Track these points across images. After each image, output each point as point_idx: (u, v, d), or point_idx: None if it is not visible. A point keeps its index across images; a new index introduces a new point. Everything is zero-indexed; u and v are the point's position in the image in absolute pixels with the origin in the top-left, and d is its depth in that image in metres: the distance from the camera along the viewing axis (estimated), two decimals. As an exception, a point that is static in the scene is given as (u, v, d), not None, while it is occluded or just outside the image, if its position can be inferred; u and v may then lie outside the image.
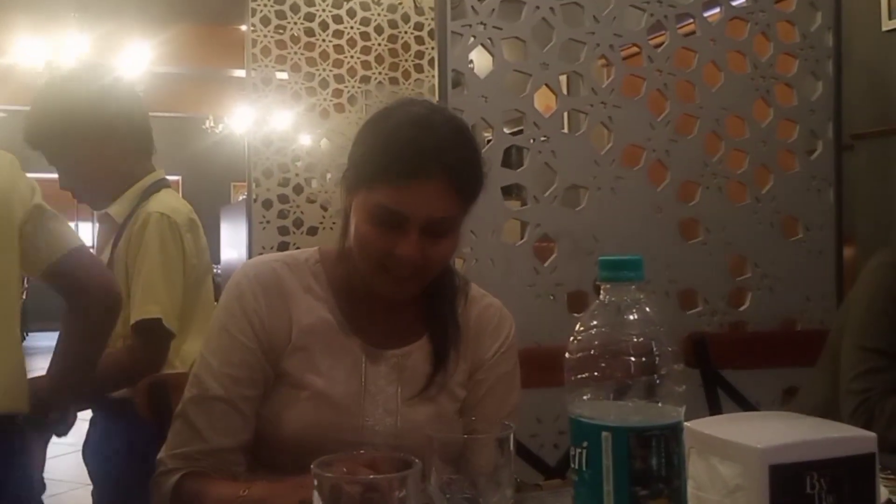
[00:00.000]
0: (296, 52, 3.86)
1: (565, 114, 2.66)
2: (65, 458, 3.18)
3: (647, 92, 2.67)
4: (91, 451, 1.99)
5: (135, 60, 7.15)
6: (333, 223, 3.72)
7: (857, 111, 3.08)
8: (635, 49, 2.71)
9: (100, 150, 1.95)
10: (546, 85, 2.57)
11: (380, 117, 1.25)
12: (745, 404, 2.05)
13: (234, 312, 1.26)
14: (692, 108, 2.72)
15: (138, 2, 7.39)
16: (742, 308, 2.74)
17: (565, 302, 2.55)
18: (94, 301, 1.62)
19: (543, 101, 2.67)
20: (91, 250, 1.93)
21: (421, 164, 1.16)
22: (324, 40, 3.88)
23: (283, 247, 3.32)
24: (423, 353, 1.31)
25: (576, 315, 2.53)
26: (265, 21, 3.80)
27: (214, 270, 7.73)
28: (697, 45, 2.73)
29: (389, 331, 1.31)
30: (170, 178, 2.15)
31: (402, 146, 1.18)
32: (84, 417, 1.95)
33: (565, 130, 2.70)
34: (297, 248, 3.02)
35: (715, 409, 1.99)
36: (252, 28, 3.73)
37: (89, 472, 1.99)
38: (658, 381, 0.67)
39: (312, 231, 3.63)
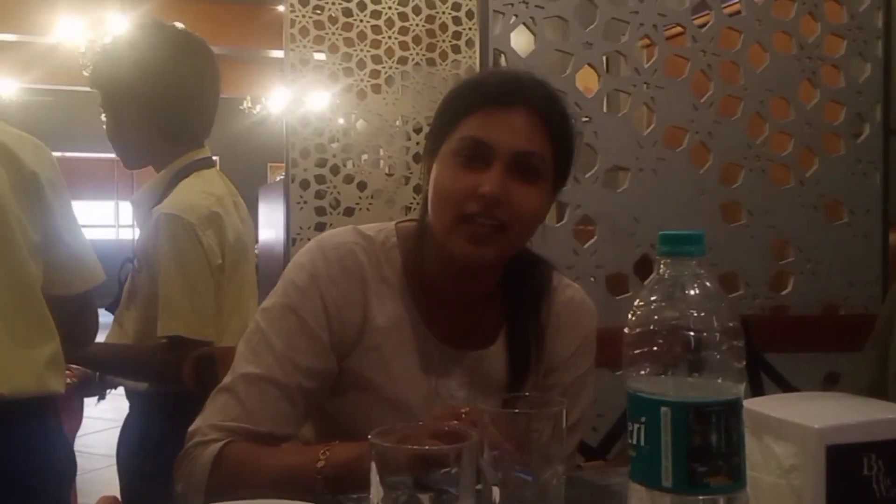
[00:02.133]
0: (333, 33, 3.85)
1: (607, 94, 2.64)
2: (102, 434, 3.22)
3: (691, 72, 2.63)
4: (121, 445, 1.92)
5: (178, 25, 7.19)
6: (370, 204, 3.72)
7: (906, 93, 3.02)
8: (679, 29, 2.67)
9: (149, 110, 1.85)
10: (589, 65, 2.55)
11: (463, 80, 1.23)
12: (786, 388, 2.02)
13: (309, 294, 1.16)
14: (736, 89, 2.68)
15: (177, -18, 7.44)
16: (784, 292, 2.70)
17: (605, 284, 2.53)
18: (77, 342, 1.55)
19: (584, 81, 2.64)
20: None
21: (506, 90, 1.13)
22: (361, 20, 3.87)
23: (320, 227, 3.32)
24: (500, 357, 1.23)
25: (615, 297, 2.52)
26: (303, 2, 3.79)
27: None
28: (742, 25, 2.69)
29: (466, 329, 1.22)
30: (208, 157, 2.02)
31: (485, 81, 1.17)
32: (107, 417, 1.92)
33: (606, 111, 2.68)
34: (334, 227, 3.03)
35: (758, 391, 1.97)
36: (290, 8, 3.73)
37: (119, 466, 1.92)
38: (718, 357, 0.66)
39: (349, 212, 3.63)
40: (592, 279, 2.50)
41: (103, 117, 1.94)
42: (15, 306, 1.33)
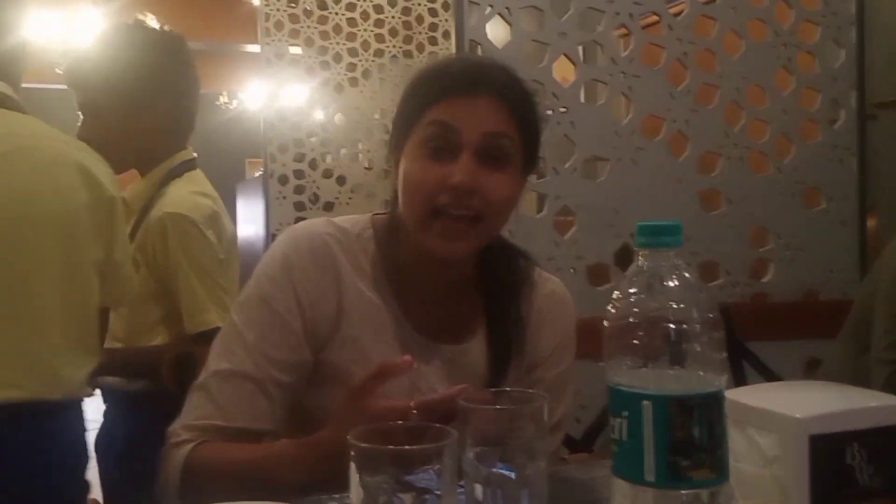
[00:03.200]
0: (309, 26, 3.82)
1: (583, 84, 2.63)
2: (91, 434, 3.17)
3: (667, 61, 2.64)
4: (101, 444, 1.90)
5: (157, 23, 7.12)
6: (350, 198, 3.70)
7: (881, 79, 3.03)
8: (655, 18, 2.67)
9: (132, 112, 1.83)
10: (564, 55, 2.54)
11: (421, 66, 1.20)
12: (768, 375, 2.03)
13: (281, 285, 1.13)
14: (713, 77, 2.68)
15: (150, -23, 7.36)
16: (764, 279, 2.71)
17: (586, 275, 2.53)
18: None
19: (561, 71, 2.64)
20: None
21: (470, 77, 1.11)
22: (337, 13, 3.84)
23: (299, 222, 3.29)
24: (479, 351, 1.20)
25: (597, 288, 2.52)
26: (278, -5, 3.74)
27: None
28: (717, 13, 2.69)
29: (445, 322, 1.19)
30: (185, 155, 2.02)
31: (447, 70, 1.14)
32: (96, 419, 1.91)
33: (584, 101, 2.68)
34: (314, 223, 3.00)
35: (740, 379, 1.98)
36: (265, 2, 3.70)
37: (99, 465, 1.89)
38: (698, 349, 0.66)
39: (329, 206, 3.61)
40: (573, 270, 2.50)
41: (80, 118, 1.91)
42: (77, 320, 1.38)
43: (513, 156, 1.13)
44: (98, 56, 1.86)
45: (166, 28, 1.96)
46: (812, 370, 2.61)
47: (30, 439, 1.24)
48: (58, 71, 2.15)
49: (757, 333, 2.10)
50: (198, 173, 1.95)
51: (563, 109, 2.53)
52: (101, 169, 1.46)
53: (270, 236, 3.15)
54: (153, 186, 1.87)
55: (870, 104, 2.91)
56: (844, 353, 1.83)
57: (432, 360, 1.18)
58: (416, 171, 1.11)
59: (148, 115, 1.85)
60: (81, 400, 1.43)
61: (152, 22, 1.98)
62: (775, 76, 2.74)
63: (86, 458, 1.45)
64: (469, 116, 1.09)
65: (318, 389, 1.16)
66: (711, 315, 0.66)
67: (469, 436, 0.80)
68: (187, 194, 1.84)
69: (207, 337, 1.69)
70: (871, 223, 2.88)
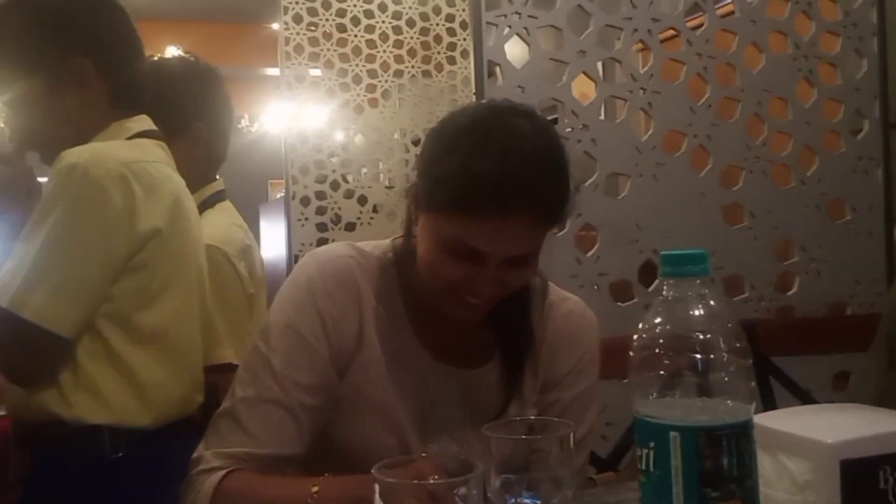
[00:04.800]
0: (328, 49, 3.85)
1: (603, 101, 2.63)
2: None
3: (687, 76, 2.63)
4: None
5: (190, 56, 7.20)
6: (371, 218, 3.71)
7: (904, 88, 3.01)
8: (673, 32, 2.66)
9: (171, 143, 1.76)
10: (584, 72, 2.54)
11: (456, 131, 1.06)
12: (796, 391, 2.01)
13: (306, 310, 1.12)
14: (733, 91, 2.67)
15: (171, 3, 7.45)
16: (790, 293, 2.69)
17: (609, 292, 2.52)
18: None
19: (580, 88, 2.64)
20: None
21: (505, 199, 1.00)
22: (356, 35, 3.86)
23: (321, 243, 3.32)
24: (496, 375, 1.19)
25: (620, 304, 2.51)
26: (297, 18, 3.79)
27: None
28: (737, 27, 2.68)
29: (461, 347, 1.19)
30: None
31: (483, 176, 0.99)
32: None
33: (603, 118, 2.67)
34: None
35: (767, 396, 1.95)
36: (285, 26, 3.73)
37: None
38: (726, 378, 0.65)
39: (350, 227, 3.63)
40: (596, 287, 2.49)
41: None
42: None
43: (538, 253, 1.10)
44: (163, 90, 1.85)
45: (200, 60, 1.97)
46: (841, 384, 2.58)
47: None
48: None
49: (784, 348, 2.07)
50: (228, 204, 1.97)
51: (583, 127, 2.52)
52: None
53: (293, 258, 3.16)
54: None
55: (893, 113, 2.88)
56: (875, 368, 1.80)
57: (449, 385, 1.18)
58: (436, 260, 1.08)
59: (183, 143, 1.83)
60: None
61: (184, 54, 1.99)
62: (797, 88, 2.73)
63: None
64: (498, 242, 1.03)
65: (339, 413, 1.15)
66: (738, 344, 0.66)
67: (493, 465, 0.80)
68: (224, 226, 1.85)
69: (219, 369, 1.69)
70: (897, 234, 2.84)
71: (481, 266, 1.05)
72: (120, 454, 1.35)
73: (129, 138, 1.50)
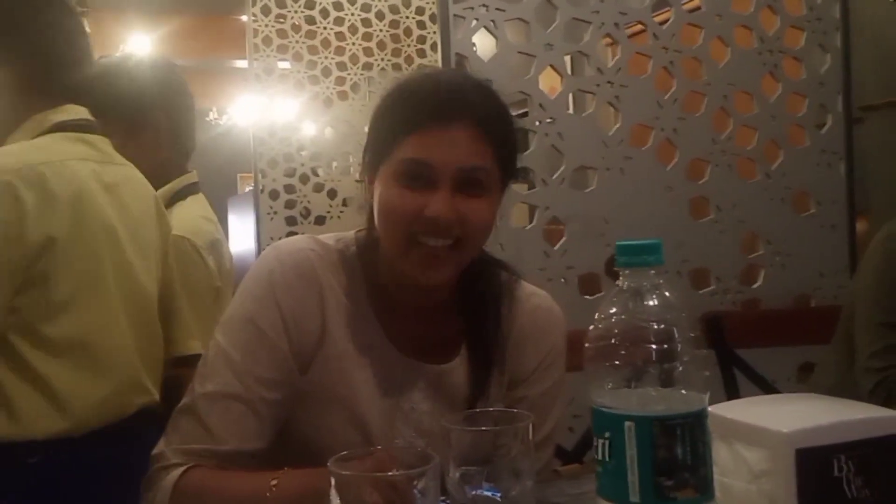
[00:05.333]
0: (297, 41, 3.82)
1: (571, 95, 2.63)
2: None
3: (654, 70, 2.64)
4: None
5: (143, 52, 7.13)
6: (341, 212, 3.70)
7: (867, 83, 3.05)
8: (640, 27, 2.67)
9: (134, 136, 1.81)
10: (551, 66, 2.55)
11: (393, 83, 1.14)
12: (761, 383, 2.03)
13: (265, 304, 1.11)
14: (699, 85, 2.69)
15: (138, -6, 7.37)
16: (755, 286, 2.72)
17: (577, 284, 2.53)
18: None
19: (548, 82, 2.64)
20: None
21: (443, 106, 1.07)
22: (325, 28, 3.84)
23: (291, 236, 3.30)
24: (462, 370, 1.19)
25: (588, 297, 2.52)
26: (266, 10, 3.77)
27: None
28: (703, 21, 2.70)
29: (427, 341, 1.18)
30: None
31: (420, 93, 1.08)
32: None
33: (571, 111, 2.68)
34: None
35: (731, 388, 1.98)
36: (253, 18, 3.70)
37: None
38: (681, 368, 0.65)
39: (320, 220, 3.61)
40: (563, 280, 2.50)
41: None
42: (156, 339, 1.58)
43: (490, 182, 1.11)
44: (134, 84, 1.86)
45: (155, 56, 2.02)
46: (805, 376, 2.61)
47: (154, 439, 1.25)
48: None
49: (748, 341, 2.10)
50: (200, 197, 1.97)
51: (550, 120, 2.53)
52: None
53: (262, 252, 3.15)
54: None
55: (856, 108, 2.92)
56: (838, 360, 1.82)
57: (416, 379, 1.17)
58: (391, 199, 1.08)
59: (146, 135, 1.85)
60: None
61: (140, 53, 2.01)
62: (762, 82, 2.75)
63: None
64: (442, 150, 1.06)
65: (302, 408, 1.14)
66: (693, 334, 0.66)
67: (453, 457, 0.80)
68: (193, 217, 1.85)
69: (187, 362, 1.67)
70: (860, 226, 2.88)
71: (435, 191, 1.06)
72: (34, 460, 1.31)
73: (42, 133, 1.43)
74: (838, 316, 1.86)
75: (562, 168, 2.53)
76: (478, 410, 0.88)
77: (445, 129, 1.06)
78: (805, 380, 2.62)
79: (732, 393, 1.97)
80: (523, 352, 1.22)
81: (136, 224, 1.52)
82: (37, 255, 1.30)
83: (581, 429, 2.01)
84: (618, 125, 2.60)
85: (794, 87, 2.79)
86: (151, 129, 1.85)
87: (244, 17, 3.79)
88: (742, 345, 2.06)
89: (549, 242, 2.51)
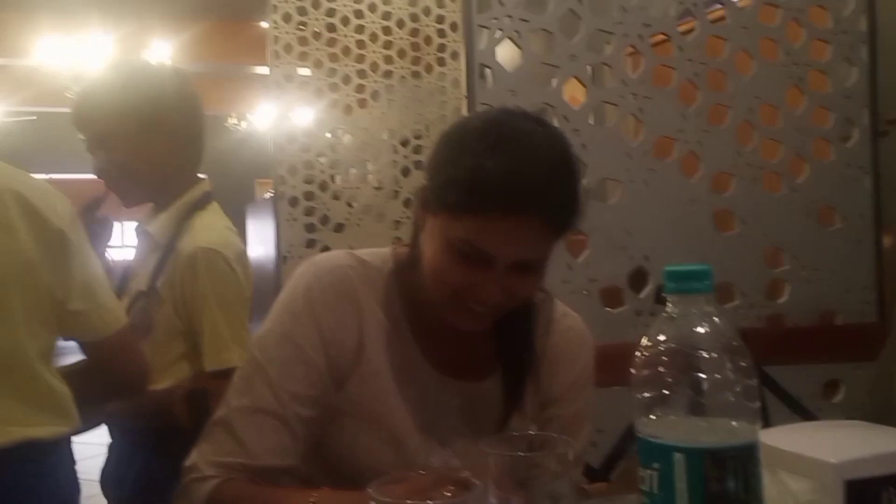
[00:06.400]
0: (317, 48, 3.82)
1: (594, 106, 2.62)
2: (97, 460, 3.16)
3: (678, 82, 2.62)
4: (109, 479, 1.88)
5: (157, 59, 7.17)
6: (360, 219, 3.69)
7: (893, 96, 3.01)
8: (664, 37, 2.65)
9: (146, 142, 1.82)
10: (575, 77, 2.53)
11: (468, 132, 1.05)
12: (787, 400, 2.00)
13: (303, 320, 1.11)
14: (724, 97, 2.66)
15: (160, 0, 7.40)
16: (780, 301, 2.68)
17: (599, 298, 2.51)
18: (127, 385, 1.55)
19: (571, 93, 2.63)
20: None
21: (515, 200, 0.99)
22: (345, 35, 3.84)
23: (310, 243, 3.31)
24: (496, 389, 1.18)
25: (610, 310, 2.50)
26: (286, 18, 3.77)
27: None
28: (728, 33, 2.68)
29: (463, 359, 1.18)
30: (195, 176, 2.02)
31: (494, 176, 0.98)
32: (101, 442, 1.90)
33: (593, 123, 2.66)
34: (325, 245, 3.00)
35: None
36: (274, 25, 3.70)
37: (108, 500, 1.88)
38: (732, 399, 0.64)
39: (339, 228, 3.60)
40: (586, 293, 2.48)
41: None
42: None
43: (546, 260, 1.08)
44: (103, 93, 1.85)
45: (164, 63, 2.01)
46: (831, 393, 2.58)
47: (20, 480, 1.23)
48: (68, 95, 2.17)
49: (775, 358, 2.07)
50: (216, 206, 1.96)
51: (574, 131, 2.51)
52: (48, 201, 1.38)
53: (281, 258, 3.16)
54: (177, 219, 1.86)
55: (882, 121, 2.89)
56: (884, 380, 1.78)
57: (451, 398, 1.16)
58: (441, 265, 1.06)
59: (161, 138, 1.85)
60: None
61: (150, 59, 2.02)
62: (787, 95, 2.72)
63: (77, 492, 1.44)
64: (505, 242, 1.01)
65: (338, 426, 1.13)
66: (744, 363, 0.64)
67: (491, 482, 0.78)
68: (219, 229, 1.84)
69: (226, 375, 1.68)
70: (887, 241, 2.85)
71: (488, 271, 1.03)
72: None
73: None
74: (863, 333, 1.83)
75: (585, 180, 2.51)
76: (516, 434, 0.86)
77: (512, 221, 1.00)
78: (831, 397, 2.59)
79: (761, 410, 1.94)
80: (557, 371, 1.21)
81: None
82: None
83: (604, 445, 1.99)
84: (641, 137, 2.58)
85: (819, 101, 2.76)
86: (166, 134, 1.85)
87: (265, 24, 3.80)
88: (767, 361, 2.03)
89: (571, 254, 2.50)
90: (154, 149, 1.84)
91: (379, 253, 1.21)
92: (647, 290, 2.54)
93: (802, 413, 2.17)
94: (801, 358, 2.21)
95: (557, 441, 0.80)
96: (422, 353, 1.16)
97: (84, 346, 1.49)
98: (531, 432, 1.05)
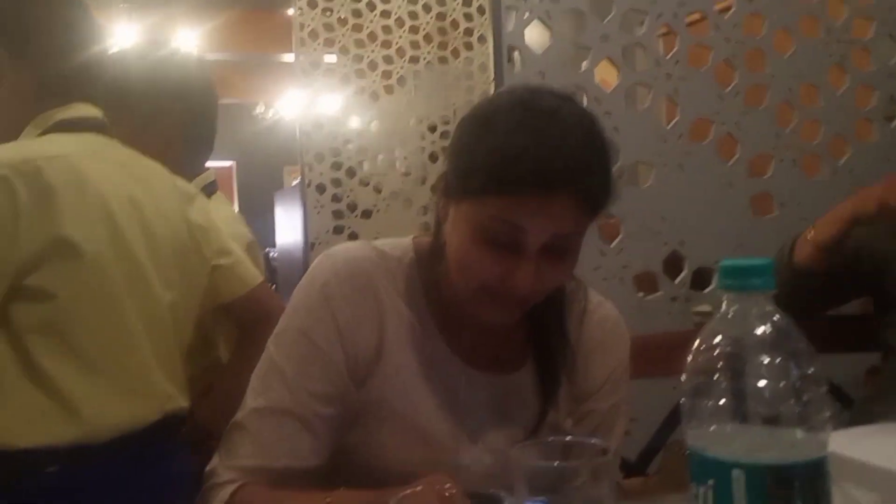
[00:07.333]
0: (343, 34, 3.78)
1: (626, 88, 2.54)
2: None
3: (714, 62, 2.54)
4: None
5: (184, 48, 7.15)
6: (388, 205, 3.65)
7: (939, 74, 2.90)
8: (700, 16, 2.57)
9: (145, 128, 1.75)
10: (607, 58, 2.45)
11: (493, 112, 1.00)
12: (831, 387, 1.93)
13: (320, 316, 1.06)
14: (762, 77, 2.58)
15: (185, -11, 7.39)
16: (820, 287, 2.60)
17: (632, 284, 2.44)
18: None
19: (603, 75, 2.55)
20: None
21: (546, 175, 0.94)
22: (371, 21, 3.79)
23: (338, 230, 3.29)
24: (529, 381, 1.12)
25: (642, 296, 2.43)
26: (312, 4, 3.73)
27: (270, 254, 7.63)
28: (767, 10, 2.58)
29: (492, 351, 1.12)
30: (223, 163, 1.99)
31: (523, 152, 0.94)
32: None
33: (627, 105, 2.59)
34: (353, 231, 2.97)
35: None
36: (299, 11, 3.66)
37: None
38: (797, 409, 0.57)
39: (367, 214, 3.57)
40: (620, 279, 2.42)
41: None
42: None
43: (581, 239, 1.03)
44: (107, 77, 1.82)
45: (183, 49, 1.96)
46: (872, 379, 2.50)
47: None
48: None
49: (816, 345, 1.99)
50: (222, 196, 1.93)
51: (607, 114, 2.43)
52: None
53: (309, 245, 3.14)
54: None
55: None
56: None
57: (481, 392, 1.11)
58: (469, 255, 1.00)
59: (160, 124, 1.79)
60: None
61: (164, 42, 1.98)
62: (829, 74, 2.63)
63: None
64: (540, 218, 0.96)
65: (360, 425, 1.09)
66: (812, 369, 0.58)
67: (524, 489, 0.73)
68: (228, 219, 1.80)
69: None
70: (931, 226, 2.75)
71: (519, 257, 0.97)
72: (53, 469, 1.23)
73: (46, 131, 1.34)
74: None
75: (618, 163, 2.44)
76: (550, 439, 0.80)
77: (546, 197, 0.95)
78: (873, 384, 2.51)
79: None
80: (592, 363, 1.16)
81: (152, 216, 1.39)
82: (34, 259, 1.18)
83: (638, 433, 1.94)
84: (676, 119, 2.50)
85: (862, 79, 2.66)
86: (168, 120, 1.79)
87: (290, 11, 3.75)
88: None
89: (604, 241, 2.43)
90: (155, 139, 1.77)
91: (398, 244, 1.16)
92: (683, 276, 2.47)
93: (844, 401, 2.10)
94: (843, 346, 2.13)
95: (594, 448, 0.74)
96: (448, 346, 1.11)
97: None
98: (566, 437, 1.00)
